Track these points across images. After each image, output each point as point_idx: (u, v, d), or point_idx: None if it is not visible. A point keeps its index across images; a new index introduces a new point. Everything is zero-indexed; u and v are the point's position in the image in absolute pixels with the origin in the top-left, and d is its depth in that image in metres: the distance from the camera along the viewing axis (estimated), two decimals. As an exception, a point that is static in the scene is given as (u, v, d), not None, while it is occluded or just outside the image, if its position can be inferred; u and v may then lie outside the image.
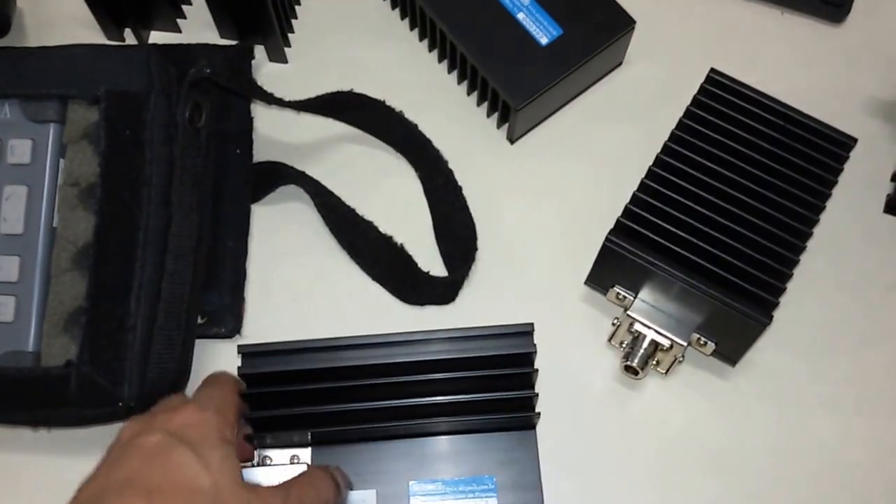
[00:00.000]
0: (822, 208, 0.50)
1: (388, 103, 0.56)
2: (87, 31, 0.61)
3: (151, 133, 0.45)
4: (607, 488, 0.50)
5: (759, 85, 0.55)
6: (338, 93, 0.55)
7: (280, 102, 0.53)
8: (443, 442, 0.49)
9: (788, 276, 0.48)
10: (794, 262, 0.48)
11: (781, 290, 0.47)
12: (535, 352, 0.46)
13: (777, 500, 0.50)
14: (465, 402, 0.46)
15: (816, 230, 0.53)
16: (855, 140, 0.52)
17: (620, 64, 0.60)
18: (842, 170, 0.52)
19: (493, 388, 0.46)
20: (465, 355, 0.45)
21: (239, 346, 0.45)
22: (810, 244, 0.54)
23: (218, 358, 0.53)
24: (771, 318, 0.47)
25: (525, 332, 0.46)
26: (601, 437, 0.51)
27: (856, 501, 0.50)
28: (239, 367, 0.46)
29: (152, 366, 0.44)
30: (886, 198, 0.56)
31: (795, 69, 0.60)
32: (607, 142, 0.58)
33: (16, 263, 0.47)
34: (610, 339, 0.52)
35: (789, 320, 0.53)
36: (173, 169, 0.46)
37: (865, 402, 0.52)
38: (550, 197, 0.57)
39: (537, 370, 0.47)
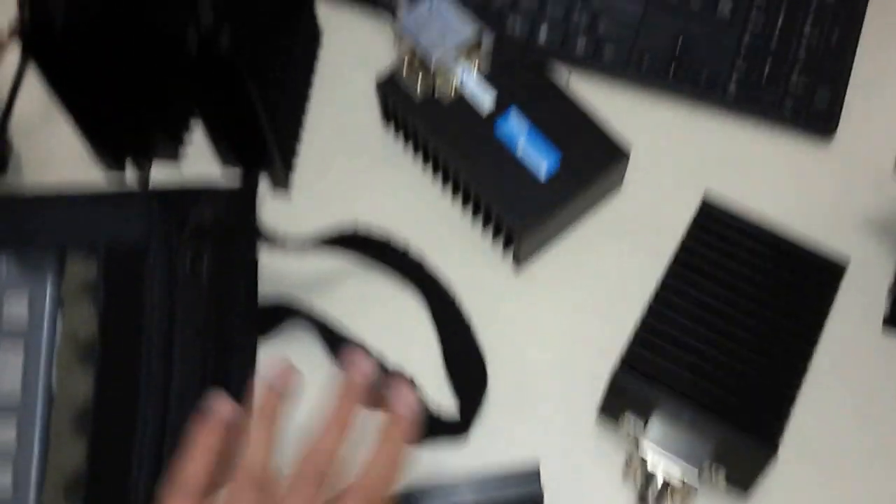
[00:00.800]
0: (818, 334, 0.51)
1: (392, 242, 0.57)
2: (85, 166, 0.61)
3: (151, 286, 0.45)
4: None
5: (753, 204, 0.56)
6: (342, 232, 0.56)
7: (284, 245, 0.54)
8: None
9: (790, 403, 0.48)
10: (796, 388, 0.49)
11: (785, 417, 0.48)
12: (542, 494, 0.45)
13: None
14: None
15: (819, 350, 0.54)
16: (846, 263, 0.53)
17: (619, 189, 0.61)
18: (835, 295, 0.52)
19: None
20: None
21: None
22: (814, 365, 0.55)
23: None
24: (776, 446, 0.47)
25: (531, 475, 0.45)
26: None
27: None
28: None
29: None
30: (884, 314, 0.57)
31: (788, 188, 0.61)
32: (610, 267, 0.59)
33: (13, 430, 0.46)
34: (624, 476, 0.52)
35: (796, 447, 0.53)
36: (174, 322, 0.46)
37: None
38: (557, 324, 0.57)
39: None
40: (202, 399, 0.48)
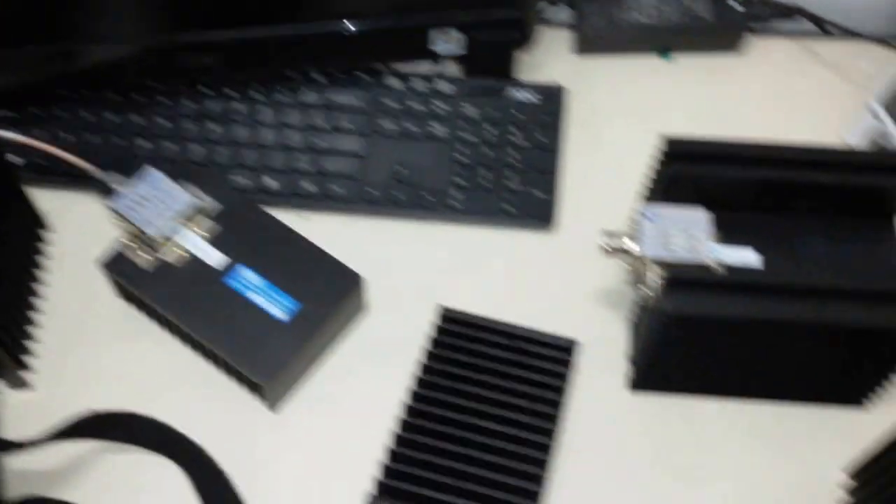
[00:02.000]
0: (559, 410, 0.54)
1: (135, 412, 0.56)
2: None
3: None
4: None
5: (489, 301, 0.59)
6: (78, 419, 0.54)
7: (19, 447, 0.52)
8: None
9: (540, 481, 0.50)
10: (544, 466, 0.51)
11: (535, 497, 0.49)
12: None
13: None
14: None
15: (570, 424, 0.58)
16: (572, 342, 0.57)
17: (361, 311, 0.63)
18: (568, 370, 0.56)
19: None
20: None
21: None
22: (568, 438, 0.58)
23: None
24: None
25: None
26: None
27: None
28: None
29: None
30: (630, 378, 0.61)
31: (519, 281, 0.65)
32: (363, 389, 0.60)
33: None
34: None
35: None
36: None
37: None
38: (314, 452, 0.57)
39: None
40: None
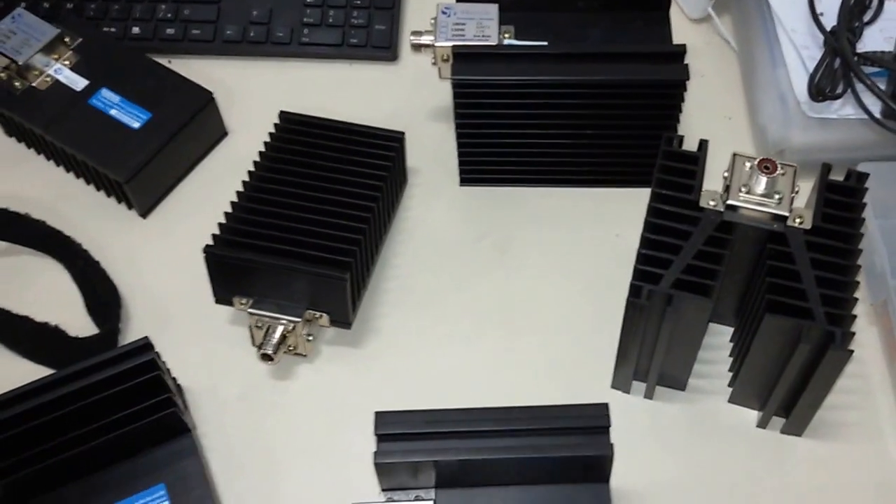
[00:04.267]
0: (380, 185, 0.62)
1: (11, 209, 0.64)
2: None
3: None
4: (274, 461, 0.57)
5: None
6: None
7: None
8: (115, 470, 0.54)
9: (358, 241, 0.58)
10: (362, 230, 0.59)
11: (353, 252, 0.58)
12: (156, 358, 0.53)
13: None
14: (112, 422, 0.52)
15: (410, 212, 0.66)
16: (401, 133, 0.65)
17: (225, 134, 0.71)
18: (395, 155, 0.64)
19: (132, 401, 0.52)
20: (86, 382, 0.51)
21: None
22: (405, 223, 0.66)
23: None
24: (348, 273, 0.56)
25: (142, 346, 0.53)
26: (264, 424, 0.59)
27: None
28: None
29: None
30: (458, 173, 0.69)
31: (366, 103, 0.73)
32: (225, 198, 0.67)
33: None
34: (253, 344, 0.60)
35: (399, 288, 0.64)
36: None
37: (474, 330, 0.62)
38: (183, 251, 0.65)
39: (163, 372, 0.54)
40: None
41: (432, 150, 0.70)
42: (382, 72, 0.76)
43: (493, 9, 0.62)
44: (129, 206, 0.67)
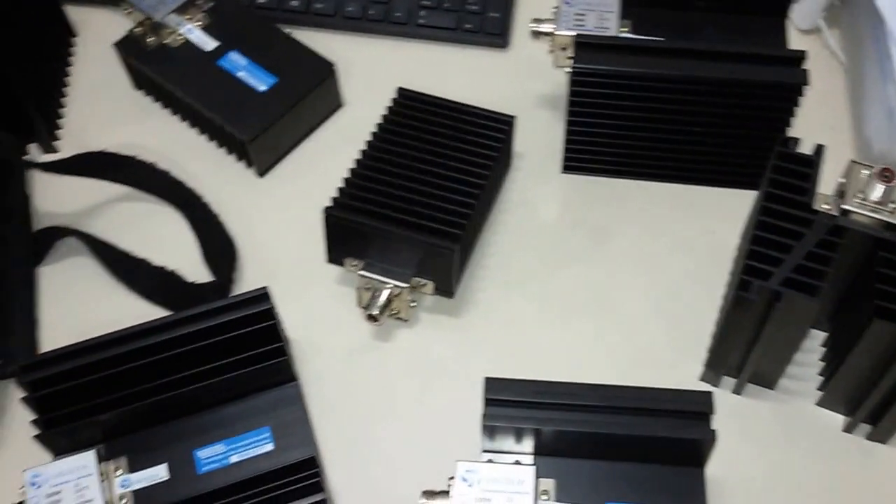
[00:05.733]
0: (490, 164, 0.64)
1: (136, 158, 0.68)
2: None
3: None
4: (373, 417, 0.60)
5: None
6: (88, 152, 0.67)
7: (36, 165, 0.65)
8: (220, 411, 0.57)
9: (468, 215, 0.60)
10: (471, 205, 0.61)
11: (462, 225, 0.60)
12: (272, 307, 0.56)
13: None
14: (225, 365, 0.55)
15: (512, 194, 0.68)
16: (512, 117, 0.67)
17: (341, 106, 0.74)
18: (505, 137, 0.66)
19: (246, 347, 0.55)
20: (207, 324, 0.55)
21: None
22: (507, 205, 0.69)
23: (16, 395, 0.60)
24: (457, 245, 0.59)
25: (260, 295, 0.56)
26: (364, 381, 0.61)
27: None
28: (19, 376, 0.54)
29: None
30: (561, 162, 0.71)
31: (475, 86, 0.75)
32: (338, 165, 0.70)
33: None
34: (359, 305, 0.63)
35: (497, 265, 0.66)
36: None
37: (565, 312, 0.64)
38: (296, 211, 0.68)
39: (278, 322, 0.56)
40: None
41: (536, 136, 0.72)
42: (492, 57, 0.78)
43: (615, 2, 0.64)
44: (248, 165, 0.71)
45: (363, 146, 0.65)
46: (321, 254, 0.65)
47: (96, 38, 0.77)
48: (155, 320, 0.55)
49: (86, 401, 0.53)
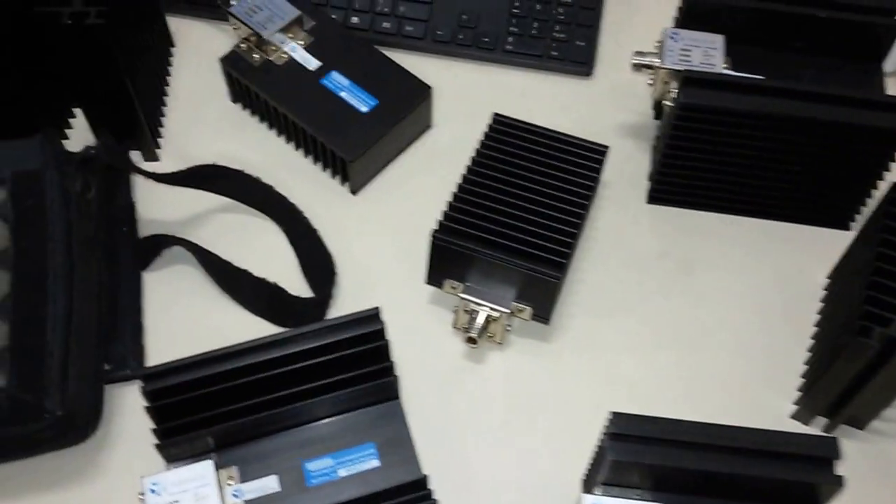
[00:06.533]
0: (590, 196, 0.65)
1: (244, 172, 0.69)
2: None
3: (50, 201, 0.56)
4: (468, 439, 0.61)
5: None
6: (200, 165, 0.68)
7: (152, 175, 0.66)
8: (326, 424, 0.59)
9: (571, 245, 0.62)
10: (574, 234, 0.63)
11: (566, 254, 0.61)
12: (384, 327, 0.57)
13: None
14: (334, 382, 0.57)
15: (599, 222, 0.70)
16: (606, 147, 0.68)
17: (430, 127, 0.76)
18: (600, 167, 0.68)
19: (355, 365, 0.57)
20: (322, 342, 0.56)
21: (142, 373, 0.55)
22: (594, 233, 0.70)
23: (126, 397, 0.62)
24: (561, 273, 0.60)
25: (372, 315, 0.57)
26: (458, 401, 0.63)
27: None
28: (142, 386, 0.55)
29: (72, 382, 0.53)
30: (647, 192, 0.73)
31: (560, 113, 0.77)
32: (428, 185, 0.72)
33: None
34: (454, 326, 0.64)
35: (587, 292, 0.68)
36: (71, 228, 0.56)
37: (653, 342, 0.66)
38: (388, 230, 0.70)
39: (388, 342, 0.58)
40: (99, 290, 0.58)
41: (619, 164, 0.74)
42: (576, 85, 0.79)
43: (720, 39, 0.66)
44: (342, 182, 0.72)
45: (458, 169, 0.66)
46: (414, 272, 0.66)
47: (194, 49, 0.79)
48: (270, 336, 0.56)
49: (203, 411, 0.55)
